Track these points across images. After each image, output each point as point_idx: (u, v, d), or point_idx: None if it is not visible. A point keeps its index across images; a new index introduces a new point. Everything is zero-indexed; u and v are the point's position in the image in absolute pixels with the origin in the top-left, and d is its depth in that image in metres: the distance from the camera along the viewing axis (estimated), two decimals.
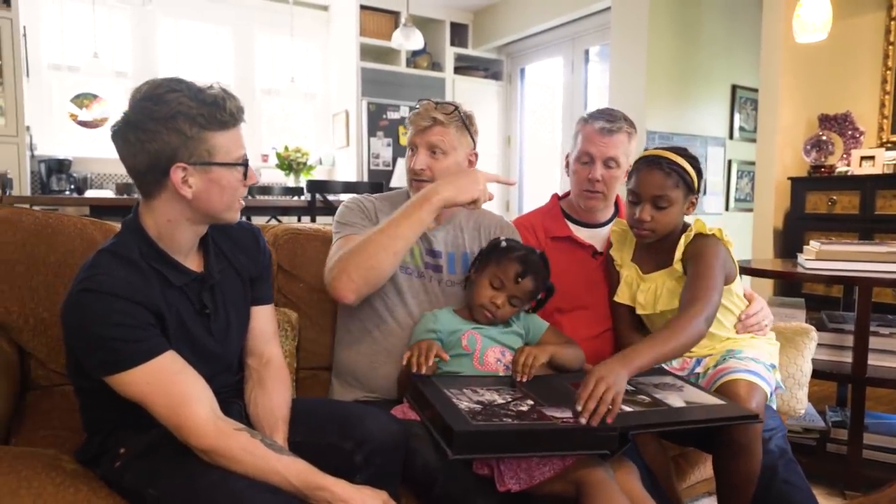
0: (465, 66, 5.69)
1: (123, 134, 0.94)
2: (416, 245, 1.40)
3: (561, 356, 1.29)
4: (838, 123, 3.40)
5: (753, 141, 4.12)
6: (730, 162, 4.43)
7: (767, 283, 3.23)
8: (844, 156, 3.35)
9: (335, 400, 1.35)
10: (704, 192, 4.27)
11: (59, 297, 1.00)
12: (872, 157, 3.16)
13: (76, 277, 0.94)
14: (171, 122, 0.92)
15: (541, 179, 5.71)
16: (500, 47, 5.71)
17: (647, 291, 1.37)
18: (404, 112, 5.25)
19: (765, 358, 1.35)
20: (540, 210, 1.68)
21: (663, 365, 1.33)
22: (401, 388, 1.30)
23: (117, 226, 1.20)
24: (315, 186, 3.50)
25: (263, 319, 1.18)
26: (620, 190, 1.58)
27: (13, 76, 3.99)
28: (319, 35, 5.64)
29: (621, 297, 1.43)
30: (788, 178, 3.37)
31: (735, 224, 4.33)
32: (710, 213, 4.28)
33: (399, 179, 4.88)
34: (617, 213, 1.65)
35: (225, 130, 0.97)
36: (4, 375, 1.16)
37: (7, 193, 3.59)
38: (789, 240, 3.34)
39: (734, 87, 4.35)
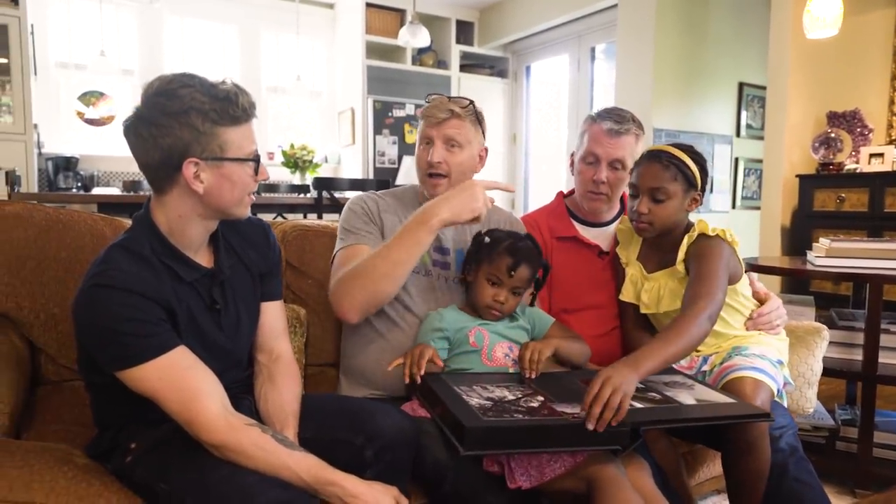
0: (471, 64, 5.68)
1: (136, 129, 0.94)
2: None
3: (566, 349, 1.29)
4: (847, 121, 3.38)
5: (760, 138, 4.10)
6: (737, 160, 4.41)
7: (775, 281, 3.22)
8: (853, 153, 3.33)
9: (345, 396, 1.35)
10: (711, 191, 4.25)
11: (70, 293, 1.00)
12: (881, 155, 3.14)
13: (88, 272, 0.94)
14: (184, 117, 0.92)
15: (546, 177, 5.70)
16: (506, 45, 5.70)
17: (650, 291, 1.37)
18: (410, 110, 5.25)
19: (772, 354, 1.34)
20: (545, 208, 1.67)
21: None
22: (409, 386, 1.30)
23: (127, 222, 1.21)
24: (322, 183, 3.50)
25: (273, 315, 1.18)
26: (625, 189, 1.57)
27: (21, 74, 4.01)
28: (325, 33, 5.64)
29: (626, 295, 1.43)
30: (796, 176, 3.35)
31: (742, 222, 4.32)
32: (717, 211, 4.26)
33: (405, 177, 4.87)
34: (622, 210, 1.64)
35: (237, 126, 0.97)
36: (15, 370, 1.16)
37: (15, 191, 3.61)
38: (797, 238, 3.32)
39: (741, 85, 4.33)
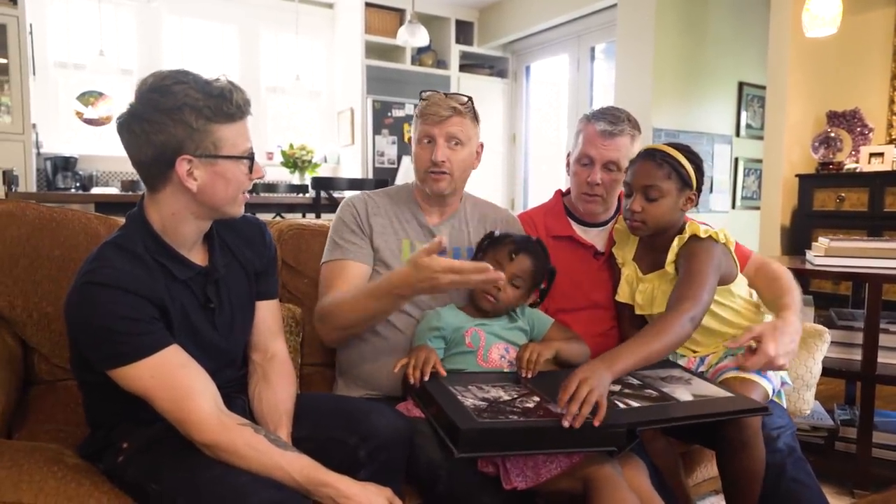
0: (471, 64, 5.68)
1: (129, 125, 0.94)
2: (418, 242, 1.39)
3: (566, 352, 1.28)
4: (847, 120, 3.37)
5: (760, 138, 4.09)
6: (736, 159, 4.40)
7: None
8: (853, 153, 3.32)
9: (340, 395, 1.34)
10: (711, 191, 4.25)
11: (63, 292, 0.99)
12: (881, 154, 3.13)
13: (80, 270, 0.94)
14: (178, 114, 0.91)
15: (546, 177, 5.69)
16: (506, 45, 5.70)
17: (644, 292, 1.36)
18: (409, 110, 5.24)
19: None
20: (543, 207, 1.66)
21: (669, 357, 1.32)
22: (405, 386, 1.29)
23: (121, 220, 1.19)
24: (320, 183, 3.50)
25: (268, 314, 1.17)
26: None
27: (20, 74, 4.01)
28: (325, 33, 5.64)
29: (622, 295, 1.42)
30: (796, 176, 3.35)
31: (741, 222, 4.31)
32: (717, 211, 4.26)
33: (404, 177, 4.86)
34: (620, 210, 1.63)
35: (231, 123, 0.96)
36: (8, 370, 1.15)
37: (13, 190, 3.60)
38: (797, 237, 3.32)
39: (741, 84, 4.32)
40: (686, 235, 1.27)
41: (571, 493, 1.03)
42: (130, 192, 4.04)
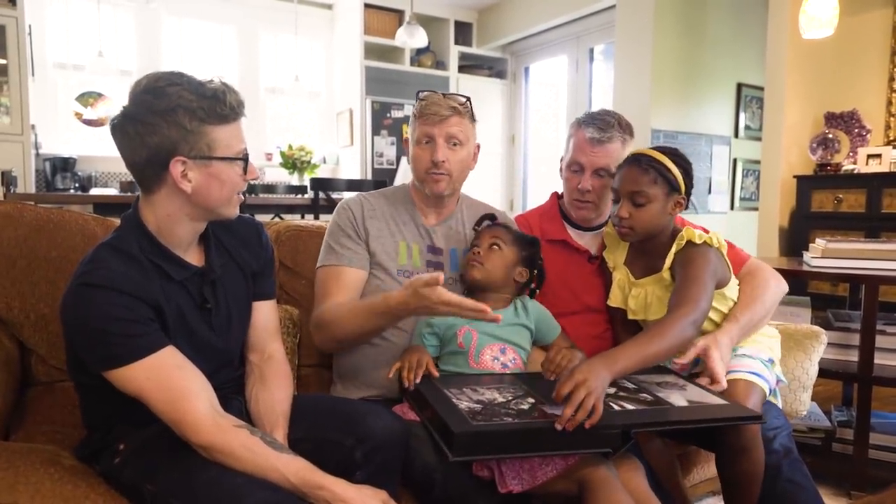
0: (470, 65, 5.68)
1: (123, 127, 0.94)
2: (415, 243, 1.39)
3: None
4: (845, 121, 3.38)
5: (758, 139, 4.10)
6: (735, 160, 4.41)
7: None
8: (851, 154, 3.32)
9: (337, 396, 1.34)
10: (709, 192, 4.25)
11: (61, 293, 0.99)
12: (879, 156, 3.13)
13: (75, 271, 0.94)
14: (171, 116, 0.91)
15: (545, 178, 5.70)
16: (505, 46, 5.70)
17: (637, 297, 1.36)
18: (408, 111, 5.25)
19: (763, 354, 1.33)
20: (539, 209, 1.66)
21: (665, 363, 1.32)
22: (401, 389, 1.29)
23: (118, 221, 1.20)
24: (319, 184, 3.50)
25: (265, 315, 1.17)
26: None
27: (18, 75, 4.01)
28: (323, 33, 5.64)
29: (614, 300, 1.42)
30: (794, 177, 3.35)
31: (740, 223, 4.31)
32: (715, 212, 4.26)
33: (402, 177, 4.86)
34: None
35: (225, 124, 0.96)
36: (5, 371, 1.15)
37: (12, 191, 3.60)
38: (795, 238, 3.32)
39: (739, 86, 4.33)
40: (683, 241, 1.27)
41: (567, 496, 1.03)
42: (129, 193, 4.04)
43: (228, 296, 1.09)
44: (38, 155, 4.36)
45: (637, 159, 1.30)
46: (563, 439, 0.97)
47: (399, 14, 5.34)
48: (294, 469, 0.93)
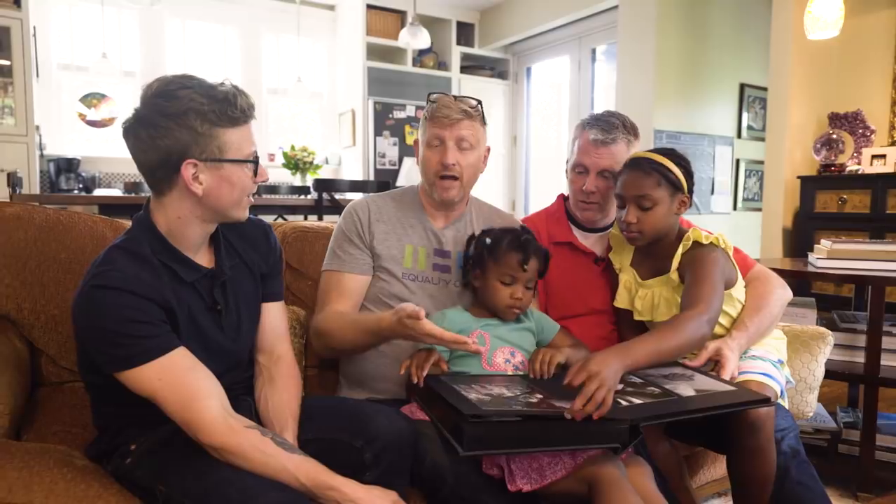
0: (472, 66, 5.68)
1: (134, 130, 0.94)
2: (422, 247, 1.39)
3: (574, 358, 1.28)
4: (849, 122, 3.37)
5: (762, 140, 4.09)
6: (738, 161, 4.40)
7: None
8: (855, 154, 3.32)
9: (346, 398, 1.35)
10: (712, 192, 4.25)
11: (70, 294, 1.00)
12: (884, 156, 3.13)
13: (87, 273, 0.94)
14: (183, 119, 0.92)
15: (547, 179, 5.70)
16: (507, 46, 5.70)
17: (644, 298, 1.36)
18: (410, 111, 5.25)
19: (772, 355, 1.33)
20: (545, 211, 1.66)
21: None
22: (408, 389, 1.30)
23: (127, 223, 1.20)
24: (322, 185, 3.50)
25: (274, 316, 1.18)
26: None
27: (23, 76, 4.02)
28: (326, 35, 5.65)
29: (620, 301, 1.42)
30: (798, 177, 3.35)
31: (743, 223, 4.31)
32: (718, 213, 4.26)
33: (405, 178, 4.87)
34: None
35: (236, 127, 0.96)
36: (16, 371, 1.16)
37: (16, 192, 3.61)
38: (798, 239, 3.32)
39: (742, 86, 4.33)
40: (689, 242, 1.27)
41: (576, 495, 1.03)
42: (133, 194, 4.05)
43: (238, 297, 1.10)
44: (42, 156, 4.37)
45: (638, 163, 1.30)
46: (571, 434, 0.97)
47: (401, 15, 5.34)
48: (305, 470, 0.93)
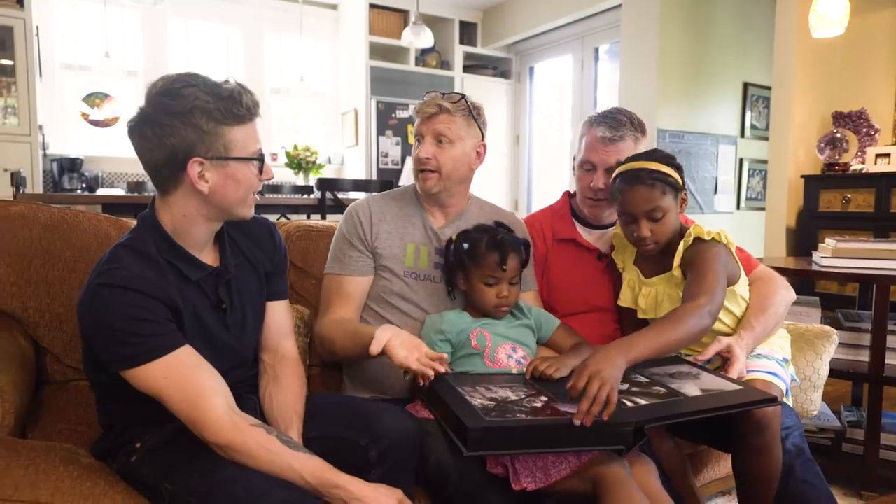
0: (474, 65, 5.68)
1: (140, 129, 0.94)
2: (424, 246, 1.39)
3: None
4: (853, 121, 3.36)
5: (765, 139, 4.09)
6: (741, 160, 4.39)
7: None
8: (859, 153, 3.31)
9: (351, 396, 1.35)
10: (715, 191, 4.24)
11: (75, 293, 1.00)
12: (888, 155, 3.12)
13: (93, 271, 0.94)
14: (188, 117, 0.92)
15: (550, 178, 5.69)
16: (510, 46, 5.70)
17: (647, 296, 1.36)
18: (413, 111, 5.23)
19: (777, 353, 1.33)
20: (550, 208, 1.66)
21: (680, 353, 1.32)
22: (413, 388, 1.30)
23: (132, 222, 1.20)
24: (325, 184, 3.51)
25: (279, 314, 1.18)
26: None
27: (26, 76, 4.03)
28: (328, 34, 5.65)
29: (624, 300, 1.42)
30: (802, 177, 3.34)
31: (746, 223, 4.30)
32: (721, 212, 4.25)
33: (407, 178, 4.87)
34: None
35: (241, 125, 0.97)
36: (21, 370, 1.16)
37: (20, 192, 3.61)
38: (802, 238, 3.31)
39: (746, 85, 4.32)
40: (691, 238, 1.27)
41: (581, 494, 1.03)
42: (136, 194, 4.06)
43: (243, 296, 1.10)
44: (45, 155, 4.38)
45: (638, 177, 1.27)
46: (575, 436, 0.97)
47: (404, 14, 5.34)
48: (310, 468, 0.93)
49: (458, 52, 5.56)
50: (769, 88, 3.58)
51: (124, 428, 1.02)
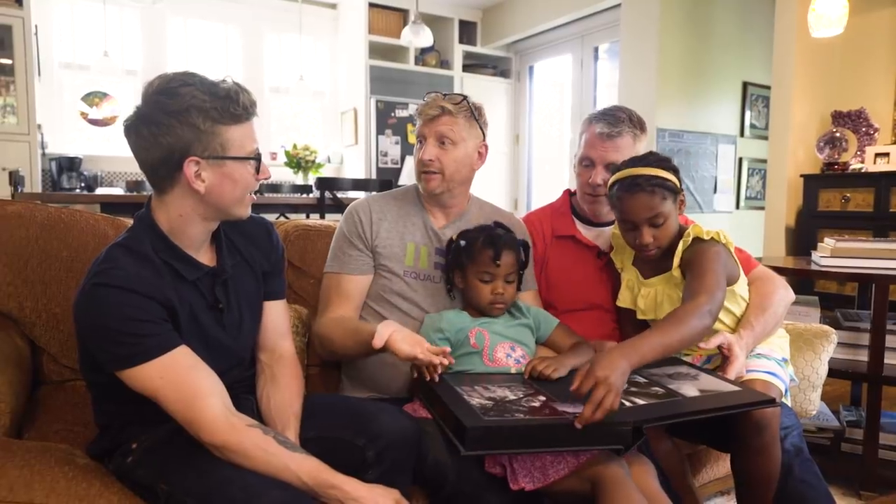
0: (474, 64, 5.68)
1: (136, 128, 0.94)
2: (424, 245, 1.39)
3: (579, 365, 1.27)
4: (852, 120, 3.36)
5: (764, 138, 4.08)
6: (740, 160, 4.39)
7: None
8: (858, 153, 3.31)
9: (348, 396, 1.35)
10: (715, 191, 4.24)
11: (72, 293, 1.00)
12: (887, 154, 3.12)
13: (89, 271, 0.94)
14: (185, 116, 0.92)
15: (549, 178, 5.69)
16: (509, 45, 5.70)
17: (647, 297, 1.35)
18: (412, 110, 5.23)
19: (776, 353, 1.33)
20: (550, 206, 1.66)
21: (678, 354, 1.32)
22: (412, 387, 1.29)
23: (129, 221, 1.20)
24: (324, 184, 3.50)
25: (276, 314, 1.17)
26: None
27: (25, 75, 4.03)
28: (328, 33, 5.65)
29: (623, 300, 1.41)
30: (801, 176, 3.34)
31: (745, 222, 4.30)
32: (721, 212, 4.25)
33: (407, 177, 4.86)
34: None
35: (238, 124, 0.96)
36: (17, 370, 1.16)
37: (18, 191, 3.61)
38: (801, 238, 3.31)
39: (745, 84, 4.31)
40: (690, 238, 1.27)
41: (579, 494, 1.03)
42: (135, 193, 4.05)
43: (240, 296, 1.09)
44: (44, 155, 4.37)
45: (637, 184, 1.26)
46: (573, 436, 0.97)
47: (403, 13, 5.34)
48: (307, 468, 0.93)
49: (458, 51, 5.56)
50: (769, 88, 3.58)
51: (120, 428, 1.02)
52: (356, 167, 5.36)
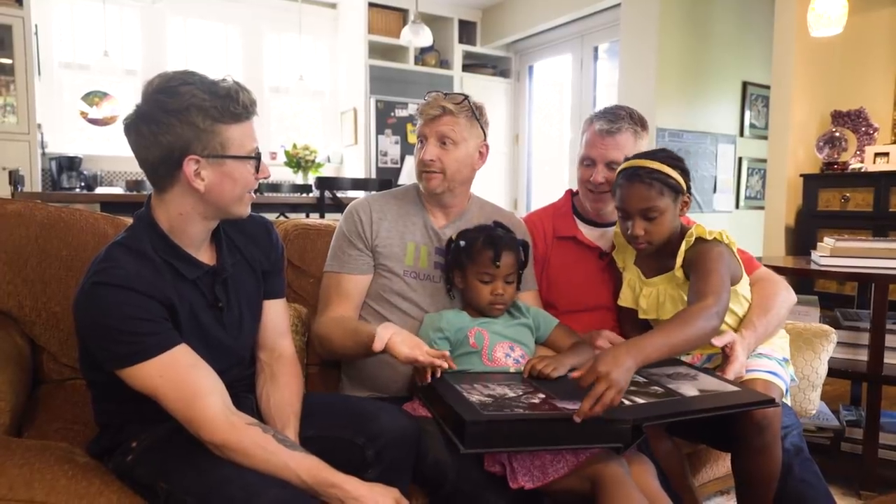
0: (474, 64, 5.68)
1: (136, 126, 0.94)
2: (424, 245, 1.39)
3: (578, 365, 1.27)
4: (852, 120, 3.36)
5: (764, 138, 4.08)
6: (740, 159, 4.39)
7: None
8: (858, 152, 3.31)
9: (348, 395, 1.35)
10: (714, 190, 4.24)
11: (71, 292, 1.00)
12: (887, 154, 3.12)
13: (88, 270, 0.94)
14: (184, 115, 0.92)
15: (549, 178, 5.69)
16: (509, 45, 5.70)
17: (649, 297, 1.35)
18: (412, 110, 5.24)
19: (777, 353, 1.33)
20: (552, 206, 1.66)
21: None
22: (411, 386, 1.29)
23: (129, 220, 1.20)
24: (324, 183, 3.50)
25: (276, 313, 1.17)
26: None
27: (25, 74, 4.03)
28: (328, 33, 5.65)
29: (624, 300, 1.41)
30: (801, 176, 3.34)
31: (745, 222, 4.30)
32: (720, 211, 4.25)
33: (407, 177, 4.86)
34: None
35: (238, 123, 0.96)
36: (17, 368, 1.16)
37: (18, 190, 3.61)
38: (801, 237, 3.31)
39: (745, 84, 4.31)
40: (692, 238, 1.26)
41: (579, 493, 1.03)
42: (135, 192, 4.05)
43: (240, 294, 1.09)
44: (44, 154, 4.38)
45: (637, 174, 1.26)
46: (573, 433, 0.97)
47: (403, 13, 5.34)
48: (306, 467, 0.93)
49: (458, 50, 5.56)
50: (768, 87, 3.58)
51: (120, 427, 1.02)
52: (356, 167, 5.36)
